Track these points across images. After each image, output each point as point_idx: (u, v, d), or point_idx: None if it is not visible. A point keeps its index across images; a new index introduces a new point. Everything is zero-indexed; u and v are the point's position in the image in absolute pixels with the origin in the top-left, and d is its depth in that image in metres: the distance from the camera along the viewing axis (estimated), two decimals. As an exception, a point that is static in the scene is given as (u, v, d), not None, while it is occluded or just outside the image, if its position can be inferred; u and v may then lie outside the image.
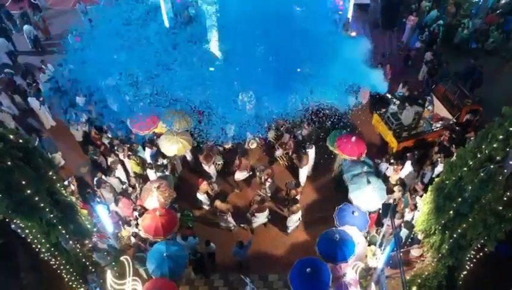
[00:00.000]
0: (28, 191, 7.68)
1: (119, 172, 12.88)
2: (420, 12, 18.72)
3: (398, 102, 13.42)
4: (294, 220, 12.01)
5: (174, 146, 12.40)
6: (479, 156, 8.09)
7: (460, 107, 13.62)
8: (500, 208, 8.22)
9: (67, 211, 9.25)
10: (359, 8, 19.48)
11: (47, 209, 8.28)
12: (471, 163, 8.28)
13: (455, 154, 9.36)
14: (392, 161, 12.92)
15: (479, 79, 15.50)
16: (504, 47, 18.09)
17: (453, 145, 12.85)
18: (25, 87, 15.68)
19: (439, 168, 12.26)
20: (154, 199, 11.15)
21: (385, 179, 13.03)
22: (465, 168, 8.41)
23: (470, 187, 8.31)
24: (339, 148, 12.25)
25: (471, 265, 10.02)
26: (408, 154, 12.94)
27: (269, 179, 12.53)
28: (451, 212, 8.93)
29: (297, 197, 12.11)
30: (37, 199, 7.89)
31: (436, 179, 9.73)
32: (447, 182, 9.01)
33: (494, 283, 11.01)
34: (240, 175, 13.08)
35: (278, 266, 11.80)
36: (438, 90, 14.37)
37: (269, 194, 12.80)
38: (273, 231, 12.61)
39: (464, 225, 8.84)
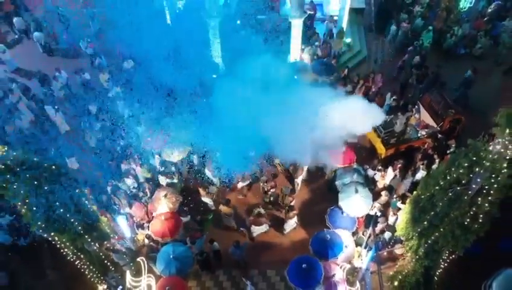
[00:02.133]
0: (61, 210, 8.97)
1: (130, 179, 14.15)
2: (412, 17, 19.57)
3: (387, 117, 14.49)
4: (290, 224, 13.45)
5: (175, 152, 13.71)
6: (448, 178, 9.36)
7: (444, 117, 14.80)
8: (466, 222, 9.56)
9: (91, 220, 10.61)
10: (355, 12, 20.35)
11: (76, 223, 9.61)
12: (442, 183, 9.56)
13: (430, 173, 10.59)
14: (379, 167, 14.23)
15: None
16: (491, 52, 18.98)
17: (436, 153, 14.15)
18: (40, 96, 16.74)
19: (420, 174, 13.57)
20: (164, 206, 12.57)
21: (374, 183, 14.42)
22: (437, 187, 9.70)
23: (441, 204, 9.63)
24: (331, 158, 13.52)
25: (445, 265, 11.43)
26: (394, 162, 14.20)
27: (272, 190, 13.91)
28: (425, 222, 10.25)
29: (292, 203, 13.48)
30: (68, 215, 9.19)
31: (414, 193, 11.02)
32: (422, 197, 10.30)
33: (466, 279, 12.35)
34: (242, 184, 14.38)
35: (276, 262, 13.12)
36: (425, 100, 15.49)
37: (272, 200, 14.21)
38: (271, 231, 13.96)
39: (436, 234, 10.19)
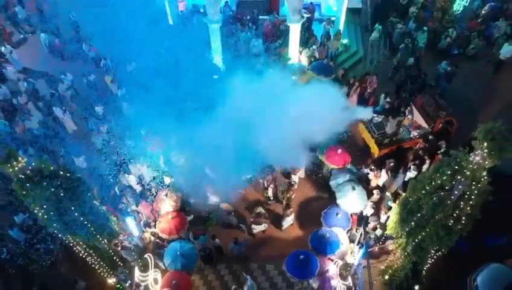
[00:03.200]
0: (76, 214, 9.75)
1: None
2: (407, 18, 20.08)
3: (379, 118, 15.22)
4: (288, 221, 14.27)
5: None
6: (433, 183, 10.11)
7: (435, 119, 15.49)
8: (450, 223, 10.34)
9: (101, 220, 11.40)
10: (351, 12, 20.82)
11: (88, 225, 10.40)
12: (428, 188, 10.31)
13: (418, 177, 11.32)
14: (372, 167, 14.98)
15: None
16: (484, 52, 19.54)
17: (426, 154, 14.89)
18: (48, 96, 17.40)
19: (410, 174, 14.33)
20: (167, 204, 13.38)
21: (367, 182, 15.19)
22: (424, 191, 10.45)
23: (426, 207, 10.40)
24: (327, 159, 14.33)
25: (432, 260, 12.26)
26: (386, 162, 14.94)
27: (271, 185, 14.67)
28: (412, 223, 11.04)
29: (293, 196, 14.28)
30: (82, 219, 9.97)
31: (403, 195, 11.78)
32: (410, 199, 11.07)
33: (453, 273, 13.16)
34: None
35: (274, 257, 13.93)
36: (417, 102, 16.16)
37: (271, 197, 15.02)
38: (270, 228, 14.75)
39: (423, 233, 10.99)
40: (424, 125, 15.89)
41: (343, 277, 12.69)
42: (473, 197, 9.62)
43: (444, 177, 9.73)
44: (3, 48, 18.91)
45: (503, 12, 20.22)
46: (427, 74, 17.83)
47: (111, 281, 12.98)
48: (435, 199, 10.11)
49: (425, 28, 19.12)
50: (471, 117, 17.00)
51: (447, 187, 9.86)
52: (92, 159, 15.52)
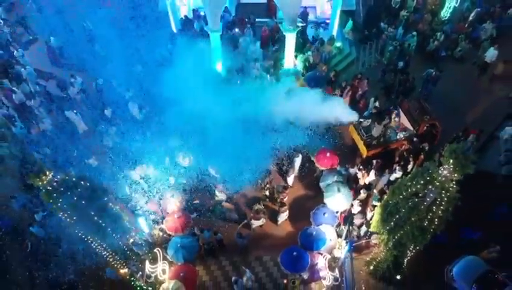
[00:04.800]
0: (95, 219, 11.15)
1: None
2: (398, 22, 21.03)
3: (368, 122, 16.47)
4: (282, 217, 15.74)
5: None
6: (409, 190, 11.48)
7: (419, 122, 16.73)
8: (425, 223, 11.75)
9: (116, 218, 12.81)
10: (345, 14, 21.70)
11: (104, 225, 11.81)
12: (404, 193, 11.69)
13: (397, 182, 12.66)
14: (360, 167, 16.32)
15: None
16: (470, 55, 20.59)
17: (410, 155, 16.21)
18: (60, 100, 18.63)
19: (396, 174, 15.67)
20: (172, 204, 14.84)
21: (356, 181, 16.55)
22: (401, 196, 11.84)
23: (403, 210, 11.81)
24: (317, 162, 15.70)
25: (412, 254, 13.70)
26: (373, 162, 16.26)
27: (268, 185, 16.05)
28: (392, 223, 12.46)
29: (285, 199, 15.67)
30: (100, 221, 11.38)
31: (386, 197, 13.15)
32: (390, 202, 12.46)
33: (432, 265, 14.42)
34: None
35: (270, 249, 15.41)
36: (404, 106, 17.35)
37: (268, 196, 16.43)
38: (267, 223, 16.20)
39: (401, 232, 12.42)
40: (410, 127, 17.14)
41: (331, 268, 14.20)
42: (443, 203, 11.01)
43: (418, 186, 11.12)
44: (15, 52, 19.96)
45: (490, 14, 21.16)
46: (416, 75, 19.01)
47: (123, 271, 14.49)
48: (410, 203, 11.52)
49: (414, 33, 20.11)
50: (457, 118, 18.36)
51: (420, 194, 11.26)
52: (103, 159, 16.86)
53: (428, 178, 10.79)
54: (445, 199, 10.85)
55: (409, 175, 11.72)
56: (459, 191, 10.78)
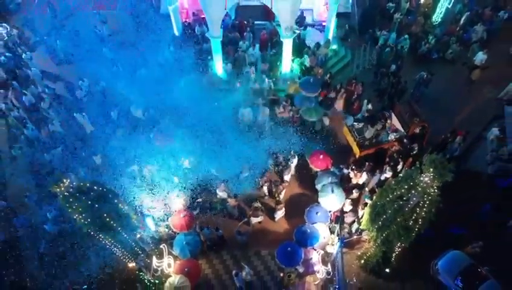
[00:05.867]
0: (107, 220, 12.20)
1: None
2: (392, 25, 21.78)
3: (360, 125, 17.41)
4: (279, 214, 16.83)
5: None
6: (395, 193, 12.51)
7: (409, 124, 17.66)
8: (411, 223, 12.79)
9: (124, 217, 13.88)
10: (341, 16, 22.44)
11: (115, 225, 12.87)
12: (391, 196, 12.72)
13: (384, 185, 13.70)
14: (353, 167, 17.32)
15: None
16: (461, 57, 21.41)
17: (400, 156, 17.19)
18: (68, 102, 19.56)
19: (386, 174, 16.68)
20: (178, 203, 15.89)
21: (349, 180, 17.57)
22: (388, 199, 12.87)
23: (390, 211, 12.85)
24: (311, 163, 16.73)
25: (399, 249, 14.77)
26: (365, 163, 17.26)
27: (266, 184, 17.10)
28: (380, 222, 13.52)
29: (281, 195, 16.75)
30: (112, 222, 12.44)
31: (374, 198, 14.17)
32: (378, 203, 13.50)
33: (419, 258, 15.43)
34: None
35: (268, 244, 16.51)
36: (396, 108, 18.27)
37: (266, 194, 17.47)
38: (265, 220, 17.26)
39: (388, 231, 13.48)
40: (401, 129, 18.08)
41: (324, 262, 15.32)
42: (425, 205, 12.03)
43: (403, 190, 12.15)
44: (24, 55, 20.80)
45: (480, 16, 21.89)
46: (408, 77, 19.85)
47: (131, 265, 15.62)
48: (396, 205, 12.55)
49: (406, 36, 20.88)
50: (446, 119, 19.32)
51: (404, 197, 12.28)
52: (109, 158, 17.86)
53: (411, 183, 11.80)
54: (427, 202, 11.86)
55: (395, 180, 12.74)
56: (440, 194, 11.75)
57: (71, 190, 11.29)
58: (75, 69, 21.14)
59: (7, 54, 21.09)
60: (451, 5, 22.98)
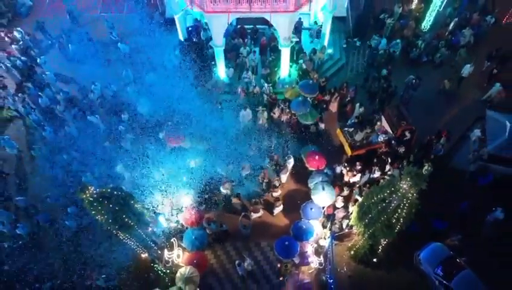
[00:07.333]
0: (126, 220, 13.91)
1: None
2: (384, 28, 22.99)
3: (351, 129, 18.95)
4: (277, 210, 18.54)
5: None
6: (378, 196, 14.16)
7: (397, 127, 19.18)
8: (393, 221, 14.48)
9: (140, 217, 15.59)
10: (337, 20, 23.57)
11: (132, 223, 14.59)
12: (375, 198, 14.39)
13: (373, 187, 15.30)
14: (345, 164, 18.92)
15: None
16: (449, 60, 22.72)
17: (387, 156, 18.78)
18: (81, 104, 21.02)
19: (374, 175, 18.30)
20: (187, 200, 17.59)
21: (341, 178, 19.19)
22: (372, 201, 14.54)
23: (374, 211, 14.53)
24: (307, 163, 18.34)
25: (385, 243, 16.45)
26: (356, 163, 18.83)
27: (265, 180, 18.73)
28: (366, 221, 15.22)
29: (278, 194, 18.42)
30: (131, 222, 14.15)
31: (362, 199, 15.80)
32: (365, 203, 15.17)
33: (404, 249, 16.99)
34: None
35: (267, 236, 18.24)
36: (385, 112, 19.77)
37: (265, 189, 19.12)
38: (264, 214, 18.98)
39: (373, 228, 15.19)
40: (390, 131, 19.61)
41: (317, 253, 17.12)
42: (405, 207, 13.70)
43: (385, 194, 13.81)
44: (38, 59, 22.14)
45: (468, 21, 23.08)
46: (399, 81, 21.24)
47: (144, 256, 17.39)
48: (379, 207, 14.23)
49: (398, 41, 22.13)
50: (433, 119, 20.76)
51: (387, 200, 13.94)
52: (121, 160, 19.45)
53: (393, 189, 13.45)
54: (407, 204, 13.53)
55: (379, 185, 14.39)
56: (419, 197, 13.41)
57: (95, 195, 12.95)
58: (87, 71, 22.26)
59: (23, 57, 22.38)
60: (441, 8, 24.03)
